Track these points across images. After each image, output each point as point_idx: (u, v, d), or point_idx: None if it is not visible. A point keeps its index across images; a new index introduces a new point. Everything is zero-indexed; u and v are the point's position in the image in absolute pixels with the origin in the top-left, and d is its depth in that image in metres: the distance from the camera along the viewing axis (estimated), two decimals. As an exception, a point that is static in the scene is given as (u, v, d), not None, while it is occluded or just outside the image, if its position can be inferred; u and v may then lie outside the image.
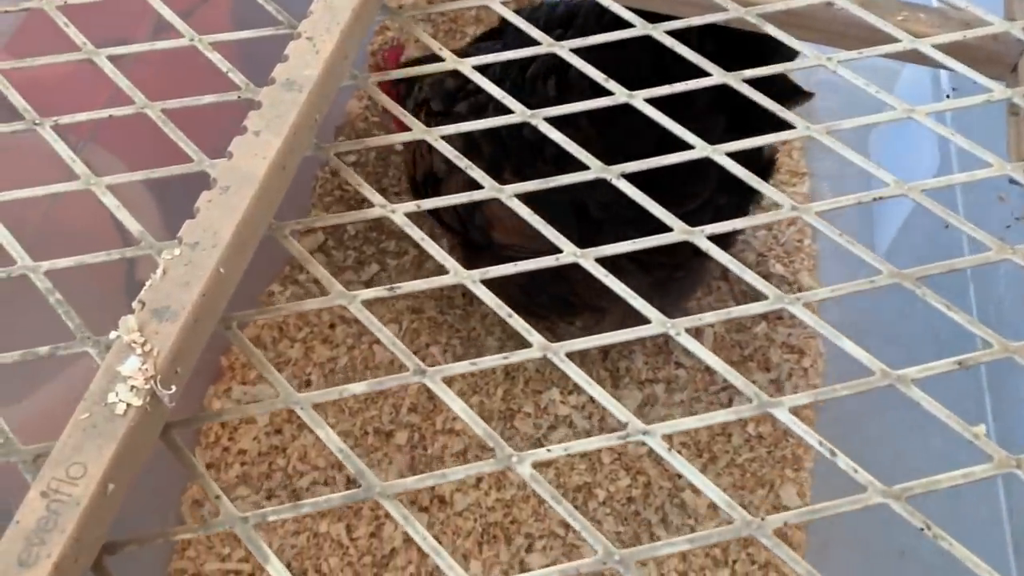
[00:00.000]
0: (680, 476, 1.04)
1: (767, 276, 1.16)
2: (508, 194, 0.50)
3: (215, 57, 0.56)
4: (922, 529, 0.39)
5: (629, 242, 0.47)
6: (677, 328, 0.45)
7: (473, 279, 0.47)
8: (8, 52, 0.77)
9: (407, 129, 0.53)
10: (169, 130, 0.52)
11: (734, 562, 0.97)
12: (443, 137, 0.52)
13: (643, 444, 0.42)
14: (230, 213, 0.43)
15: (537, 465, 0.41)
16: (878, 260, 0.47)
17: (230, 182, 0.44)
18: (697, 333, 1.10)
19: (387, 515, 1.04)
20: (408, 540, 0.98)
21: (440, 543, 1.04)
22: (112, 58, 0.57)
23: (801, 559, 0.39)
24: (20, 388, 0.80)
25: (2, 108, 0.57)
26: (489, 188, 0.50)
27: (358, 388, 0.43)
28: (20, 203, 0.50)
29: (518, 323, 0.46)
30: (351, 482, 1.03)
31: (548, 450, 0.41)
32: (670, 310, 0.45)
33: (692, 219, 0.48)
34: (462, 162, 0.51)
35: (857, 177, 0.75)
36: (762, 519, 0.40)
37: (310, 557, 0.96)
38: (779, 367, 1.06)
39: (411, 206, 0.49)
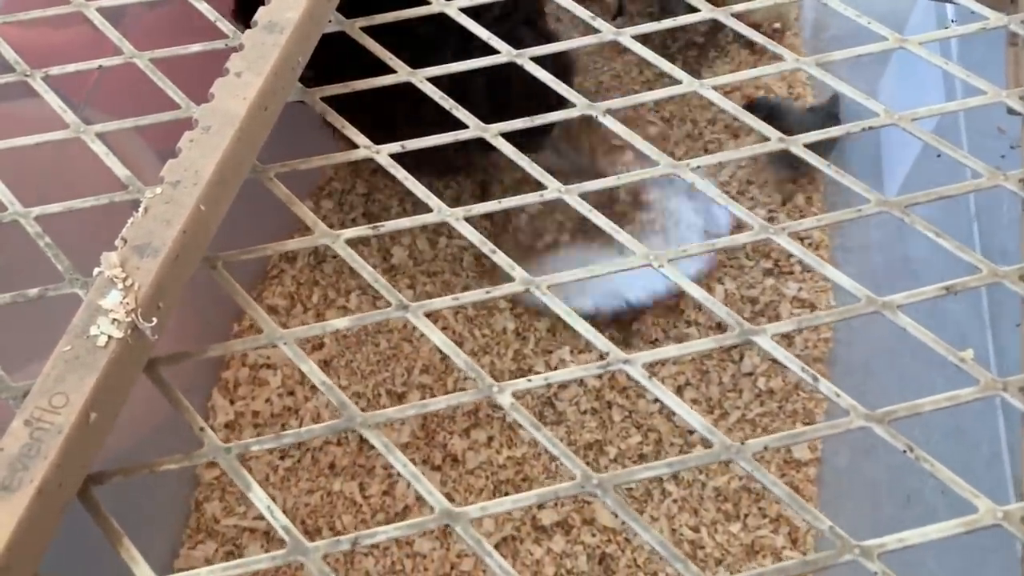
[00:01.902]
0: (691, 432, 1.04)
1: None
2: (493, 133, 0.50)
3: (204, 7, 0.56)
4: (904, 451, 0.39)
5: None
6: (660, 260, 0.45)
7: (457, 216, 0.47)
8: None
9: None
10: (157, 79, 0.52)
11: (745, 516, 0.97)
12: (429, 79, 0.52)
13: (628, 376, 0.42)
14: (211, 152, 0.43)
15: (517, 395, 0.41)
16: (866, 190, 0.46)
17: (211, 122, 0.45)
18: (709, 290, 1.10)
19: (400, 473, 1.05)
20: (421, 497, 0.99)
21: (453, 502, 1.04)
22: (105, 14, 0.57)
23: (779, 480, 0.38)
24: (35, 351, 0.81)
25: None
26: (474, 128, 0.50)
27: (341, 323, 0.44)
28: (20, 165, 0.51)
29: (501, 259, 0.46)
30: (363, 441, 1.04)
31: (529, 380, 0.41)
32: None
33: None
34: (447, 102, 0.51)
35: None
36: (741, 443, 0.40)
37: (324, 515, 0.97)
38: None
39: (396, 147, 0.49)
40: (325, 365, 1.06)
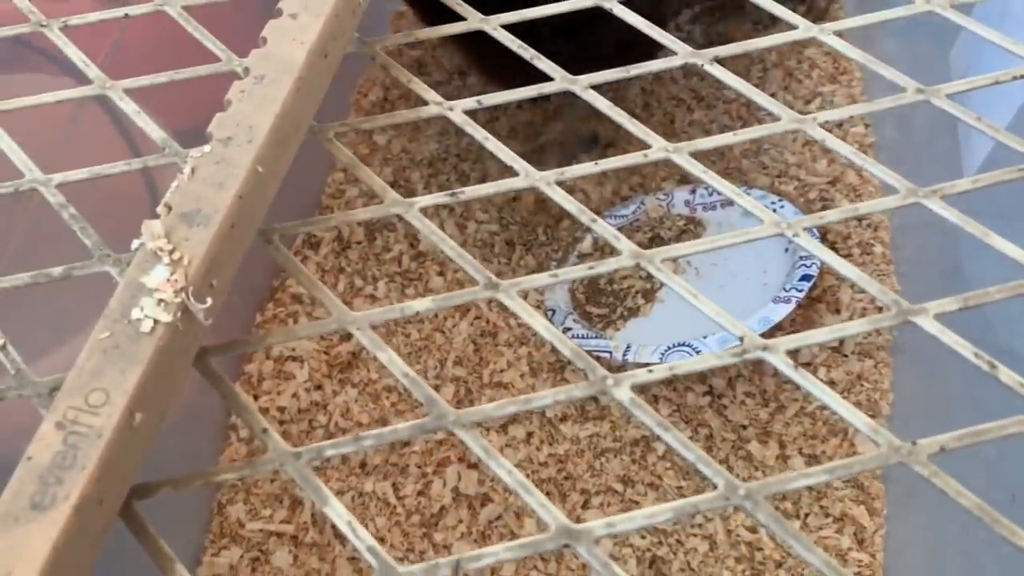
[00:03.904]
0: (744, 427, 0.97)
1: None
2: (583, 85, 0.43)
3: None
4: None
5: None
6: (794, 228, 0.38)
7: (548, 181, 0.40)
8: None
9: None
10: (192, 28, 0.46)
11: (806, 515, 0.91)
12: (503, 26, 0.45)
13: (761, 361, 0.35)
14: (267, 104, 0.37)
15: (636, 388, 0.35)
16: (1026, 145, 0.40)
17: (265, 70, 0.38)
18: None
19: (435, 472, 0.98)
20: (457, 498, 0.92)
21: (492, 502, 0.96)
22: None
23: (965, 489, 0.32)
24: (48, 340, 0.74)
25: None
26: (560, 80, 0.43)
27: (422, 305, 0.37)
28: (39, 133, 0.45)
29: (603, 227, 0.39)
30: (396, 439, 0.97)
31: (650, 371, 0.35)
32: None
33: None
34: (527, 52, 0.44)
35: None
36: (913, 443, 0.33)
37: (356, 517, 0.91)
38: (851, 308, 0.99)
39: (471, 102, 0.43)
40: (353, 357, 0.99)
